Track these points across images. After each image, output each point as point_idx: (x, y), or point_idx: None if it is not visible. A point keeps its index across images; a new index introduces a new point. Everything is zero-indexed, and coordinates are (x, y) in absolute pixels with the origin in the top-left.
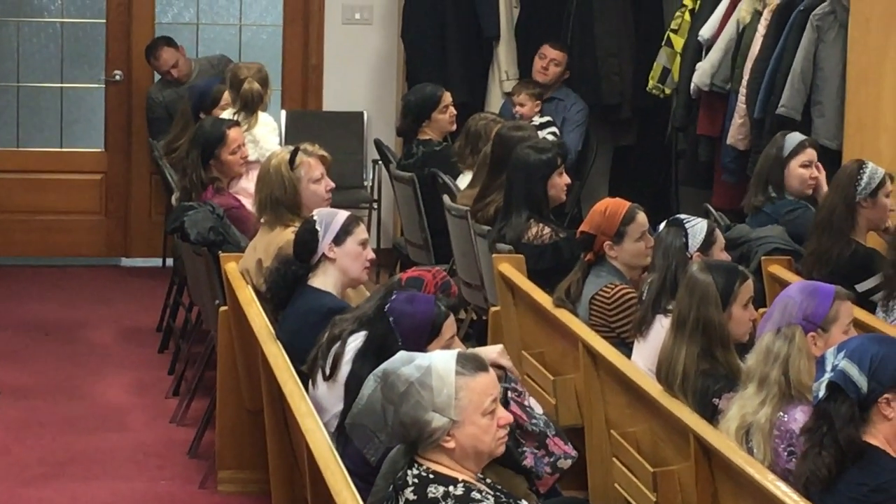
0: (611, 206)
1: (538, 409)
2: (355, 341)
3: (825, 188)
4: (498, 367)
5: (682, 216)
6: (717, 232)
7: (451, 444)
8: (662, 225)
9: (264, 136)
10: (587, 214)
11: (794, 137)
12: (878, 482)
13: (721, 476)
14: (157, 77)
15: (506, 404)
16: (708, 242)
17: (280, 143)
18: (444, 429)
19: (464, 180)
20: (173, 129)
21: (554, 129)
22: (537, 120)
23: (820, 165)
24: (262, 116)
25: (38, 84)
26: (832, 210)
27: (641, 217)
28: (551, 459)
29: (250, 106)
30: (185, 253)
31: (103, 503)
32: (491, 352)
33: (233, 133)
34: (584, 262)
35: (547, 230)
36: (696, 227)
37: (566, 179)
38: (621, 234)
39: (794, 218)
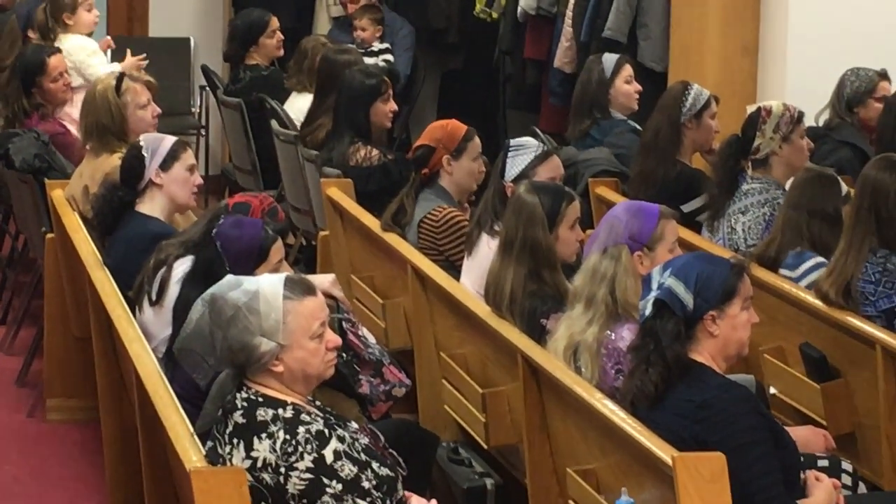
0: (451, 122)
1: (371, 339)
2: (182, 266)
3: None
4: (330, 297)
5: (518, 142)
6: (551, 163)
7: (280, 368)
8: None
9: (83, 60)
10: (417, 137)
11: (611, 57)
12: (703, 398)
13: (549, 396)
14: None
15: (342, 334)
16: (523, 175)
17: (107, 61)
18: (273, 353)
19: (293, 101)
20: None
21: (389, 56)
22: (376, 46)
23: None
24: (73, 40)
25: None
26: (657, 131)
27: (478, 140)
28: (386, 388)
29: (41, 36)
30: (10, 180)
31: None
32: (323, 281)
33: (53, 61)
34: (415, 181)
35: (375, 152)
36: (517, 159)
37: (392, 106)
38: (461, 150)
39: (623, 140)
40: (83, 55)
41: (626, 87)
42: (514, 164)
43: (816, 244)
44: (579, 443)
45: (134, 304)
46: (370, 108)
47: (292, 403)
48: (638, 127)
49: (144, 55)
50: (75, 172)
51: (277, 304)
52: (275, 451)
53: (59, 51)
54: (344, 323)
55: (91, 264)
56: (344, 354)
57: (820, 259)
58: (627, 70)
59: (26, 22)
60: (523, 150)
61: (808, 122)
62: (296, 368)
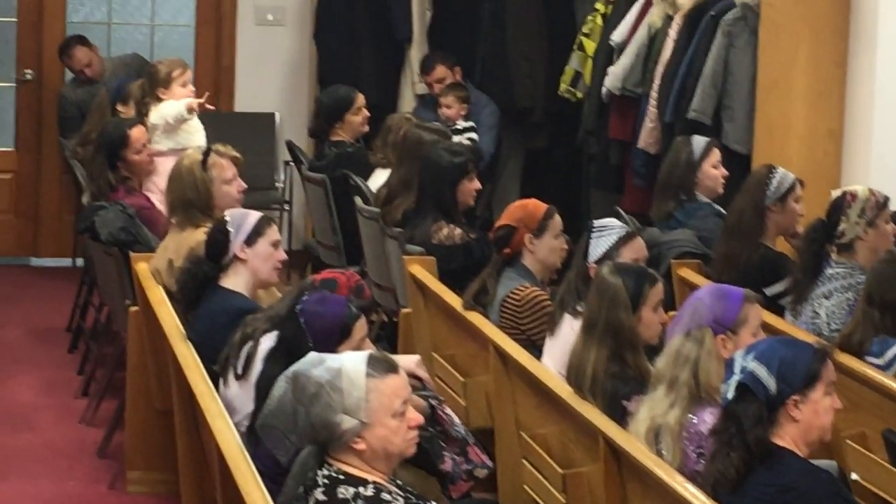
0: (531, 202)
1: (456, 419)
2: (268, 340)
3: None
4: (415, 377)
5: (602, 223)
6: (634, 245)
7: (362, 446)
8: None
9: (162, 115)
10: (500, 215)
11: (700, 140)
12: (784, 482)
13: (630, 478)
14: (69, 76)
15: (431, 413)
16: (606, 257)
17: (179, 107)
18: (355, 431)
19: (377, 177)
20: (88, 121)
21: (474, 135)
22: (461, 124)
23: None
24: (157, 108)
25: None
26: (742, 214)
27: (559, 218)
28: (469, 467)
29: (138, 111)
30: (95, 253)
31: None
32: (408, 362)
33: (135, 133)
34: (497, 260)
35: (458, 231)
36: (601, 240)
37: (476, 185)
38: (543, 228)
39: (707, 223)
40: (161, 112)
41: (714, 172)
42: (598, 246)
43: (892, 335)
44: None
45: (218, 378)
46: (456, 186)
47: (373, 482)
48: (722, 210)
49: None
50: (160, 246)
51: (360, 382)
52: None
53: (140, 122)
54: (430, 399)
55: (174, 338)
56: (430, 429)
57: None
58: (716, 155)
59: (116, 95)
60: (607, 232)
61: (894, 206)
62: (377, 446)
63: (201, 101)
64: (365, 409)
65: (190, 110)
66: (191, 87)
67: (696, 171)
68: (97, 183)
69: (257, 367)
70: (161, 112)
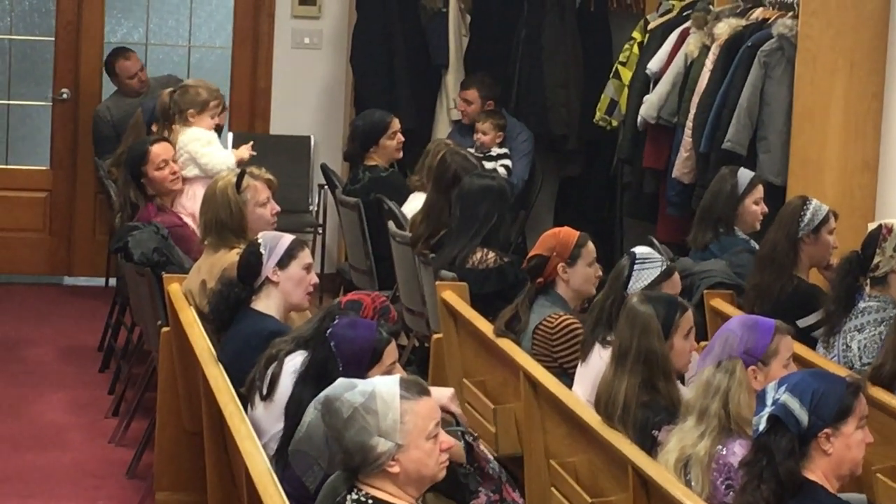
0: (563, 230)
1: (490, 456)
2: (292, 361)
3: None
4: (447, 412)
5: (644, 254)
6: (672, 280)
7: (396, 469)
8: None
9: (196, 150)
10: (533, 244)
11: (746, 174)
12: None
13: None
14: (106, 96)
15: (468, 447)
16: (649, 289)
17: (223, 147)
18: (390, 453)
19: (412, 201)
20: (124, 141)
21: (508, 161)
22: (495, 150)
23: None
24: (189, 132)
25: None
26: (775, 245)
27: (591, 245)
28: None
29: (160, 119)
30: (128, 273)
31: None
32: (441, 396)
33: (156, 149)
34: (531, 288)
35: (491, 254)
36: (644, 273)
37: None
38: (575, 257)
39: (739, 259)
40: (197, 145)
41: (754, 208)
42: (640, 278)
43: None
44: None
45: (247, 400)
46: (498, 210)
47: None
48: (757, 247)
49: (252, 143)
50: (193, 267)
51: (395, 404)
52: None
53: (163, 139)
54: (466, 436)
55: (205, 359)
56: (468, 466)
57: None
58: (759, 191)
59: (151, 116)
60: (649, 264)
61: None
62: (411, 469)
63: (250, 151)
64: (400, 431)
65: (240, 162)
66: (217, 120)
67: (738, 205)
68: (119, 200)
69: (282, 387)
70: (189, 145)
